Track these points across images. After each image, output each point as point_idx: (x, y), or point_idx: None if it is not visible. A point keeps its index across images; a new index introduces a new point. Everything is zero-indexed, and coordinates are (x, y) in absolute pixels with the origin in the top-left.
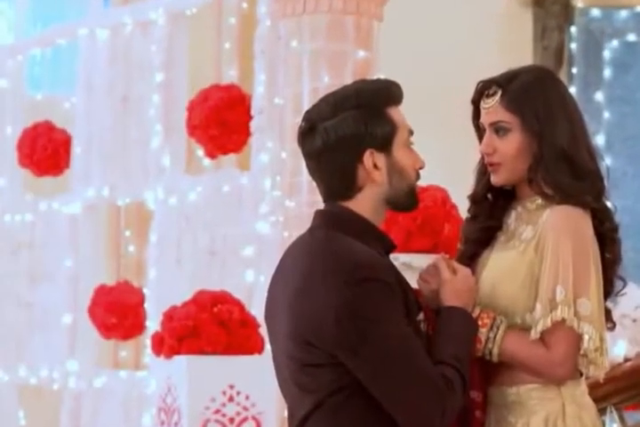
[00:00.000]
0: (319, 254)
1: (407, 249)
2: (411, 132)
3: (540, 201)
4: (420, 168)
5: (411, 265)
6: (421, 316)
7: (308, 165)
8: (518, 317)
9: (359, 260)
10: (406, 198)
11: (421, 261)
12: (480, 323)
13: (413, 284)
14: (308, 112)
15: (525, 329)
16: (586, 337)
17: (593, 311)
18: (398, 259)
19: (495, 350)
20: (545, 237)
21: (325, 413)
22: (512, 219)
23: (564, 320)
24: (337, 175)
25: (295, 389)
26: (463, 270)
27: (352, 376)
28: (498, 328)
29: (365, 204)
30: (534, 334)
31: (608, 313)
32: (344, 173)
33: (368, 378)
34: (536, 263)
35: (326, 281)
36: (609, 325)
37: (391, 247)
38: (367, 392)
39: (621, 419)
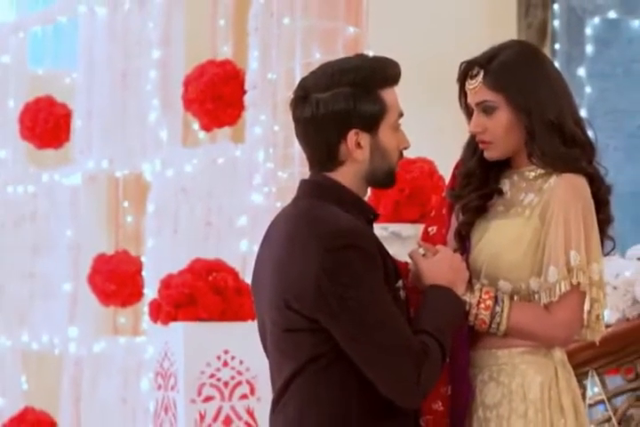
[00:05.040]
0: (301, 222)
1: (395, 219)
2: (400, 115)
3: (539, 170)
4: (405, 148)
5: (400, 234)
6: (400, 283)
7: (295, 129)
8: (523, 282)
9: (340, 227)
10: (384, 178)
11: (410, 230)
12: (483, 305)
13: (403, 253)
14: (304, 79)
15: (529, 294)
16: (596, 303)
17: (601, 277)
18: (388, 229)
19: (504, 322)
20: (553, 203)
21: (306, 379)
22: (507, 187)
23: (578, 284)
24: (320, 147)
25: (277, 354)
26: (444, 252)
27: (333, 343)
28: (502, 301)
29: (347, 176)
30: (552, 297)
31: None
32: (327, 146)
33: (346, 342)
34: (540, 230)
35: (307, 248)
36: None
37: (374, 217)
38: (348, 359)
39: (602, 383)
